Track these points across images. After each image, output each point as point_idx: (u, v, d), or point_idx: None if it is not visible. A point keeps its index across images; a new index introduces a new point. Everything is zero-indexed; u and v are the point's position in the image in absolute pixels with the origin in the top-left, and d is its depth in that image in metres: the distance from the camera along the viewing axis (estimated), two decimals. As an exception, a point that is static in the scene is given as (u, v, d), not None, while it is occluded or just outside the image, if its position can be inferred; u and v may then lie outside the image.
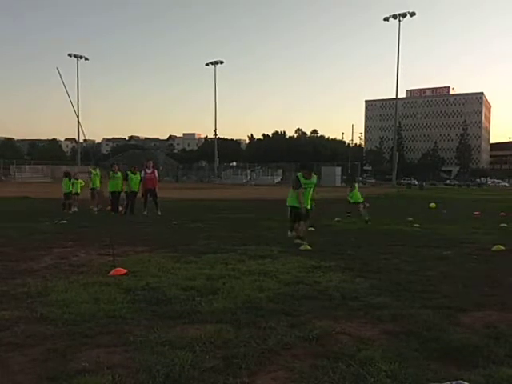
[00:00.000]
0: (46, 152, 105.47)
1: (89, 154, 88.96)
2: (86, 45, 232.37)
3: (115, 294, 4.77)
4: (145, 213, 14.72)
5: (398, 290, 5.16)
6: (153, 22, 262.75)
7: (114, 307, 4.29)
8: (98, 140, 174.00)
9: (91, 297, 4.63)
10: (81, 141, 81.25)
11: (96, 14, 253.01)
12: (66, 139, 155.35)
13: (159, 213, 14.72)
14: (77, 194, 16.48)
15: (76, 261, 6.76)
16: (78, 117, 54.70)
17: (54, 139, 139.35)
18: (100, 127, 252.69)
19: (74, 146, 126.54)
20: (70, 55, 70.80)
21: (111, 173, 15.69)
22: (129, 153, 73.25)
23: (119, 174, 15.77)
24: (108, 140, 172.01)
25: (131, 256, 7.17)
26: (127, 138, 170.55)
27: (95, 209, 15.88)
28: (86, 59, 73.23)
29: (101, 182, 16.96)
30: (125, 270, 5.85)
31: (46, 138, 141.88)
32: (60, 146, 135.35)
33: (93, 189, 16.65)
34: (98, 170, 17.52)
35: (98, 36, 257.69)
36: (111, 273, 5.75)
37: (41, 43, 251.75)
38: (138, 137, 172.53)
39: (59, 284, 5.19)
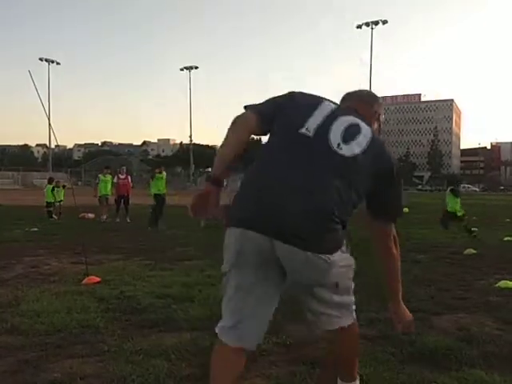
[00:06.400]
0: (16, 158, 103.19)
1: (61, 160, 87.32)
2: (58, 49, 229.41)
3: (88, 303, 4.68)
4: (117, 220, 14.55)
5: (374, 293, 5.20)
6: (126, 26, 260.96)
7: (87, 316, 4.20)
8: (70, 145, 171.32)
9: (63, 306, 4.52)
10: (52, 146, 79.75)
11: (67, 18, 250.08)
12: (37, 145, 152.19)
13: (128, 220, 14.54)
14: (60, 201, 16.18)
15: (48, 269, 6.61)
16: (49, 121, 53.77)
17: (25, 145, 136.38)
18: (71, 132, 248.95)
19: (45, 152, 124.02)
20: (41, 59, 69.43)
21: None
22: (101, 158, 72.23)
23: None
24: (80, 145, 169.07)
25: (105, 264, 7.05)
26: (100, 144, 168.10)
27: (104, 217, 14.89)
28: (58, 63, 71.97)
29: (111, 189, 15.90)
30: (98, 279, 5.73)
31: (16, 143, 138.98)
32: (32, 152, 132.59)
33: (103, 195, 15.64)
34: (109, 176, 16.13)
35: (70, 41, 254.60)
36: (84, 281, 5.63)
37: (10, 47, 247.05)
38: (111, 142, 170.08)
39: (30, 293, 5.06)
